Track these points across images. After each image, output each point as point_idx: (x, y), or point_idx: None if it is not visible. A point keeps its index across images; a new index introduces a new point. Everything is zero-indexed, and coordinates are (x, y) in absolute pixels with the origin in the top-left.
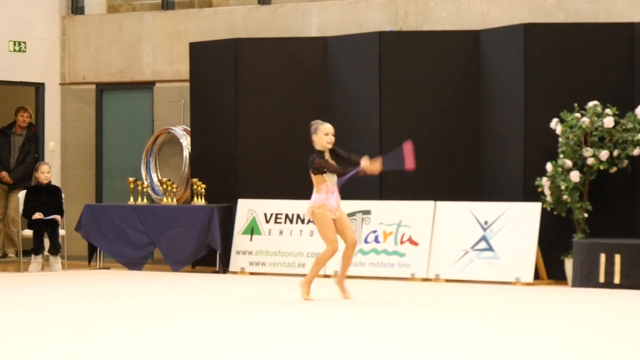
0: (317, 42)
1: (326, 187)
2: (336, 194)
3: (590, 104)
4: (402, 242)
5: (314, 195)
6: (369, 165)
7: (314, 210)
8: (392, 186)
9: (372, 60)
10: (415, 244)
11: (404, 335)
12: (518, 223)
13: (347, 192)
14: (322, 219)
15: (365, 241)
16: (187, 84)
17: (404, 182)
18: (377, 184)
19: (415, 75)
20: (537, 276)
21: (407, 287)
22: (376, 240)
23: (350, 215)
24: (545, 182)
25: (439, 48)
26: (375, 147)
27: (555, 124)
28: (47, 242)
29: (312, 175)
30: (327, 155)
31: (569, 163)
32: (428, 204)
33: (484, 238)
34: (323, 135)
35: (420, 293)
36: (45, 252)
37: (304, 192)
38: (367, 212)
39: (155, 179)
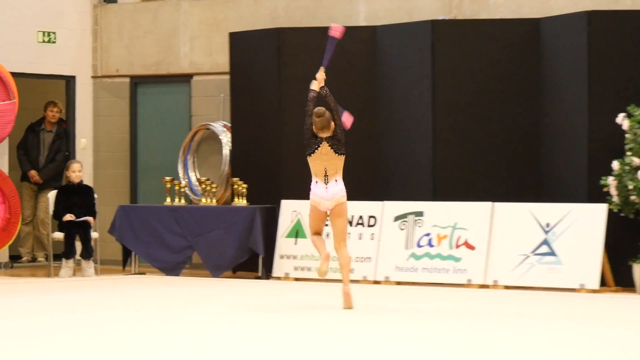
0: (365, 32)
1: (319, 175)
2: (332, 187)
3: None
4: (457, 246)
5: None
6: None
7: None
8: (446, 186)
9: (423, 51)
10: (471, 248)
11: (461, 347)
12: (582, 225)
13: (398, 191)
14: (310, 208)
15: (418, 245)
16: (227, 77)
17: (459, 182)
18: (430, 184)
19: (470, 67)
20: (603, 283)
21: (463, 294)
22: (430, 244)
23: (401, 217)
24: (611, 181)
25: (496, 38)
26: (428, 144)
27: (622, 119)
28: (78, 246)
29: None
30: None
31: (637, 161)
32: (485, 205)
33: (545, 242)
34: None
35: (477, 300)
36: (77, 257)
37: (353, 191)
38: (420, 214)
39: (193, 178)
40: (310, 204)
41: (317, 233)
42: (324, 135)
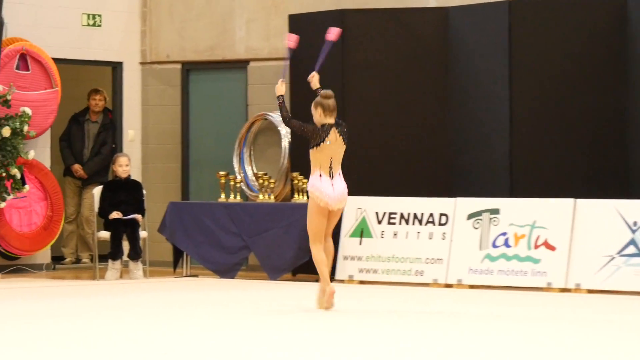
0: (437, 13)
1: (325, 167)
2: (338, 184)
3: None
4: (536, 247)
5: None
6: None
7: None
8: (524, 181)
9: (500, 33)
10: (551, 248)
11: (545, 356)
12: None
13: (472, 187)
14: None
15: (494, 245)
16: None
17: (538, 177)
18: (507, 179)
19: (550, 52)
20: None
21: (542, 298)
22: (506, 244)
23: (475, 215)
24: None
25: (578, 18)
26: (504, 136)
27: None
28: (126, 246)
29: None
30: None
31: None
32: (567, 202)
33: (632, 242)
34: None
35: (558, 305)
36: (124, 257)
37: (423, 187)
38: (496, 212)
39: (249, 173)
40: (315, 202)
41: (320, 240)
42: (331, 120)
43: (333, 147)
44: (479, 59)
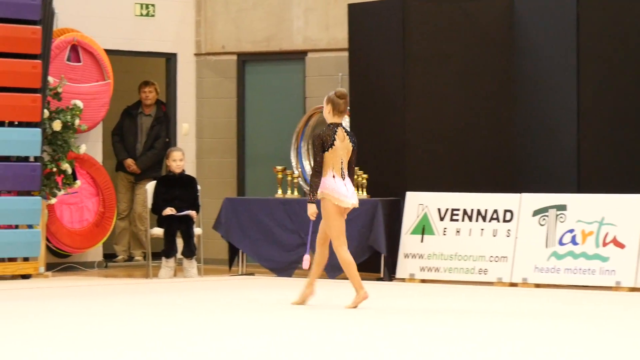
0: (502, 4)
1: (337, 169)
2: (349, 185)
3: None
4: (604, 244)
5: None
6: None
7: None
8: (592, 176)
9: (567, 22)
10: (621, 246)
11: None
12: None
13: (538, 183)
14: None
15: (560, 242)
16: (345, 54)
17: (607, 172)
18: (574, 174)
19: (620, 39)
20: None
21: (611, 297)
22: (573, 241)
23: (541, 211)
24: None
25: None
26: (572, 129)
27: None
28: (180, 243)
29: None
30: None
31: None
32: (637, 198)
33: None
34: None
35: (628, 306)
36: (178, 255)
37: (487, 182)
38: (562, 208)
39: (307, 168)
40: (332, 204)
41: (345, 241)
42: (339, 121)
43: (342, 146)
44: (546, 49)
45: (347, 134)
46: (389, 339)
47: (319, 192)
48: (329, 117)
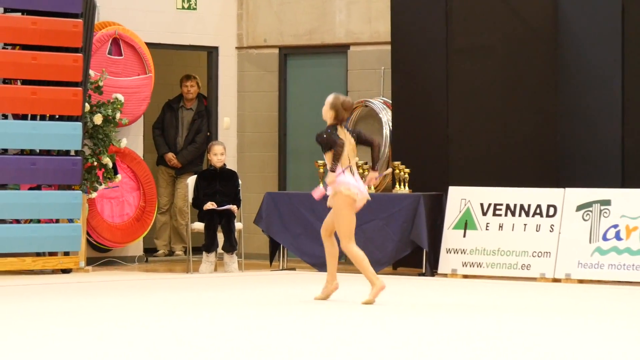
0: None
1: (343, 165)
2: (359, 179)
3: None
4: None
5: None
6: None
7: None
8: (637, 170)
9: (612, 17)
10: None
11: None
12: None
13: (581, 177)
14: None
15: (604, 238)
16: (388, 47)
17: None
18: (618, 168)
19: None
20: None
21: None
22: (617, 237)
23: (585, 206)
24: None
25: None
26: (617, 123)
27: None
28: (220, 238)
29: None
30: (341, 131)
31: None
32: None
33: None
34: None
35: None
36: (219, 250)
37: (530, 177)
38: (606, 203)
39: None
40: (350, 198)
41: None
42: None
43: (347, 143)
44: (590, 41)
45: (347, 130)
46: (435, 337)
47: (332, 187)
48: (328, 120)
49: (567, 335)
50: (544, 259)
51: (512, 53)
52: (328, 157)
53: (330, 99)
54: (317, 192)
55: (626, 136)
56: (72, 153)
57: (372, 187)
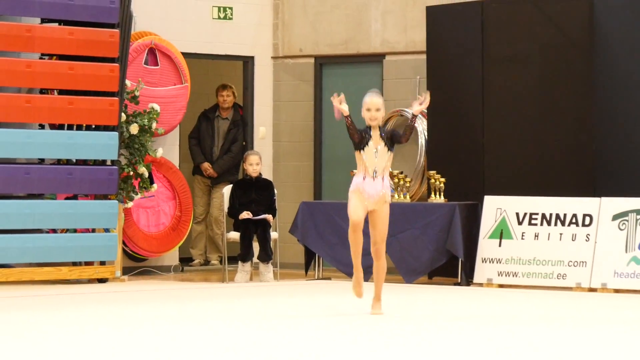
0: (582, 4)
1: (364, 169)
2: (380, 183)
3: None
4: None
5: (354, 178)
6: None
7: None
8: None
9: None
10: None
11: None
12: None
13: (618, 186)
14: (350, 196)
15: None
16: (423, 57)
17: None
18: None
19: None
20: None
21: None
22: None
23: (621, 215)
24: None
25: None
26: None
27: None
28: (256, 247)
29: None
30: (374, 132)
31: None
32: None
33: None
34: (365, 109)
35: None
36: (255, 259)
37: (566, 186)
38: None
39: None
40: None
41: None
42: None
43: (370, 149)
44: (626, 51)
45: (381, 134)
46: (472, 346)
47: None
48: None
49: (604, 346)
50: (579, 268)
51: (548, 62)
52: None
53: (381, 99)
54: (337, 113)
55: None
56: (109, 163)
57: (409, 197)
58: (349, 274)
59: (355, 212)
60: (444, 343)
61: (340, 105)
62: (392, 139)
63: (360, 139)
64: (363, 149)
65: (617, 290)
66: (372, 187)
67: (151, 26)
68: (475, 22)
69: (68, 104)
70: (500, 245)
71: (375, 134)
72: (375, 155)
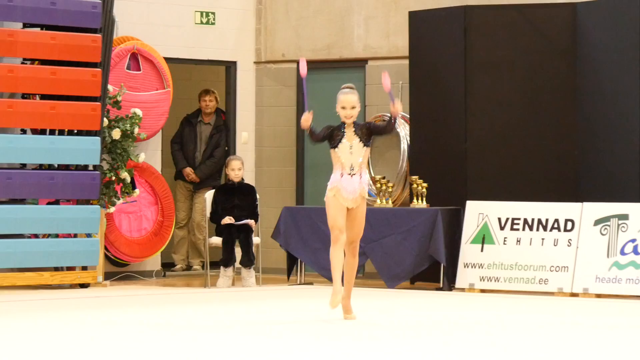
0: (564, 9)
1: (341, 166)
2: (357, 179)
3: None
4: None
5: (331, 176)
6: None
7: (326, 192)
8: None
9: (631, 30)
10: None
11: None
12: None
13: (600, 192)
14: (328, 201)
15: (622, 252)
16: (406, 62)
17: None
18: (636, 183)
19: None
20: None
21: None
22: (635, 251)
23: (603, 220)
24: None
25: None
26: (635, 138)
27: None
28: (238, 252)
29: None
30: (348, 129)
31: None
32: None
33: None
34: (339, 107)
35: None
36: (237, 264)
37: (548, 191)
38: (624, 217)
39: (365, 177)
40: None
41: None
42: None
43: (344, 147)
44: (609, 56)
45: (355, 130)
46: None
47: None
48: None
49: (584, 351)
50: (561, 273)
51: (531, 67)
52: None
53: (357, 94)
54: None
55: None
56: (91, 168)
57: (391, 202)
58: (331, 278)
59: (337, 221)
60: (424, 348)
61: (306, 121)
62: (370, 132)
63: (329, 134)
64: (337, 147)
65: (598, 295)
66: (350, 184)
67: (133, 31)
68: (457, 27)
69: (50, 109)
70: (482, 251)
71: (349, 130)
72: (350, 152)
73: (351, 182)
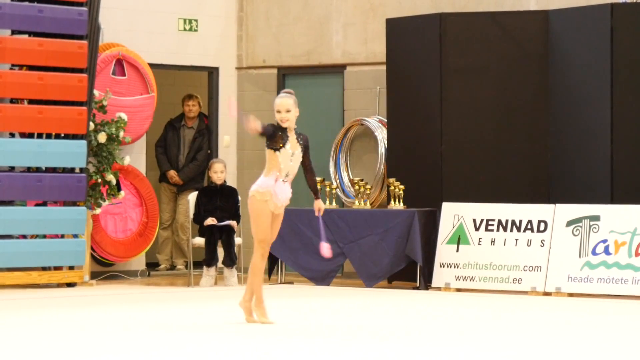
0: (537, 17)
1: (279, 171)
2: (288, 187)
3: None
4: (637, 254)
5: (261, 178)
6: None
7: (254, 195)
8: (626, 187)
9: (602, 38)
10: None
11: None
12: None
13: (571, 193)
14: (260, 210)
15: (593, 252)
16: (383, 67)
17: None
18: (607, 185)
19: None
20: None
21: None
22: (606, 251)
23: (574, 221)
24: None
25: None
26: (605, 140)
27: None
28: (220, 252)
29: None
30: (291, 135)
31: None
32: None
33: None
34: (275, 111)
35: None
36: (219, 264)
37: (521, 193)
38: (596, 218)
39: (345, 179)
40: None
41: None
42: None
43: (286, 153)
44: (580, 60)
45: (297, 136)
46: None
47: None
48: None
49: (557, 348)
50: (535, 273)
51: (504, 73)
52: (267, 156)
53: (292, 98)
54: (327, 250)
55: (615, 154)
56: (77, 170)
57: (369, 204)
58: (311, 278)
59: (268, 235)
60: (401, 347)
61: (253, 123)
62: (304, 150)
63: (274, 134)
64: (279, 150)
65: (571, 294)
66: (283, 192)
67: (118, 38)
68: (433, 34)
69: (38, 114)
70: (457, 251)
71: (292, 137)
72: (291, 160)
73: (284, 190)
